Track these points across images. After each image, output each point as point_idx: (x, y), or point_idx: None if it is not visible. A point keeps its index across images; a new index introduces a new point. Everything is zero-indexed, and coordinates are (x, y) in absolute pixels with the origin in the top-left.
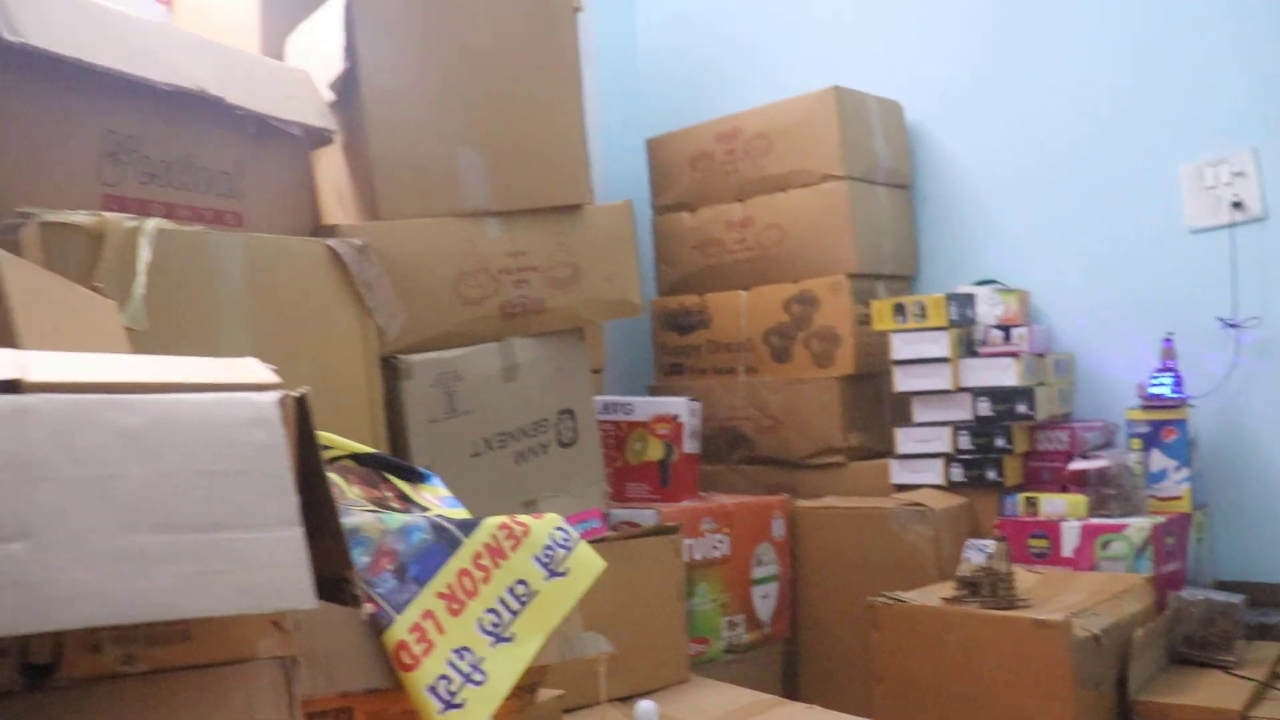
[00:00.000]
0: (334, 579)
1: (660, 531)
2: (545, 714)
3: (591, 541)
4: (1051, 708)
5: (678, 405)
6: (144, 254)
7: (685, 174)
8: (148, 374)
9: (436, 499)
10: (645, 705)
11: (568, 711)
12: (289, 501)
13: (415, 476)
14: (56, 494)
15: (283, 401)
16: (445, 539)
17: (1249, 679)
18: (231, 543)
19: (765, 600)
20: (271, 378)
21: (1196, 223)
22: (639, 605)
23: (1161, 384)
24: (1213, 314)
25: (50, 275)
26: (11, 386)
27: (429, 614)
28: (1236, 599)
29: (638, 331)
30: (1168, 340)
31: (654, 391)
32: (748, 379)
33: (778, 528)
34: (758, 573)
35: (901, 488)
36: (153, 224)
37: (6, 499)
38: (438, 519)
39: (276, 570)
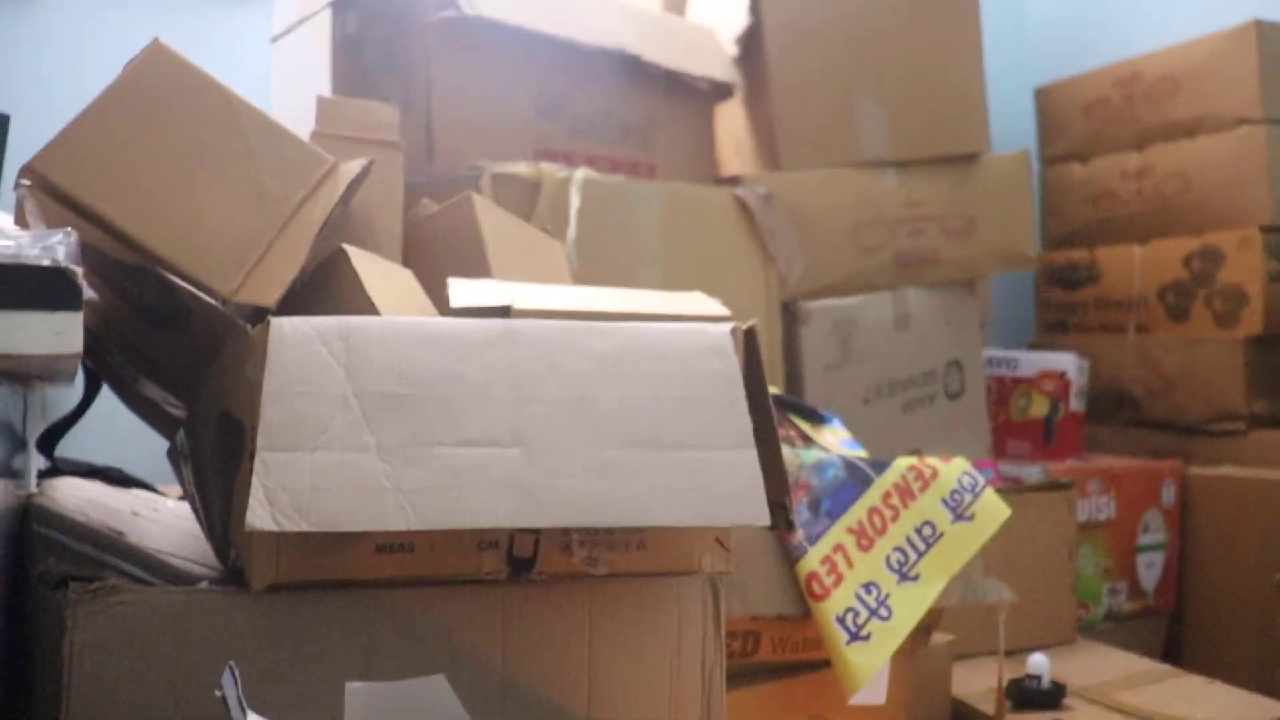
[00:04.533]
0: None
1: (1054, 486)
2: (937, 658)
3: None
4: None
5: (1066, 361)
6: (574, 201)
7: (1078, 123)
8: (613, 304)
9: (837, 440)
10: (1038, 658)
11: (957, 659)
12: (744, 425)
13: (817, 418)
14: (543, 409)
15: (734, 332)
16: (857, 477)
17: None
18: (693, 460)
19: (1150, 569)
20: (722, 310)
21: None
22: (1027, 561)
23: None
24: None
25: (512, 218)
26: (503, 312)
27: (840, 548)
28: None
29: (1019, 286)
30: None
31: (1035, 349)
32: (1138, 338)
33: (1168, 494)
34: (1144, 540)
35: None
36: (581, 174)
37: (503, 411)
38: (850, 457)
39: (734, 488)
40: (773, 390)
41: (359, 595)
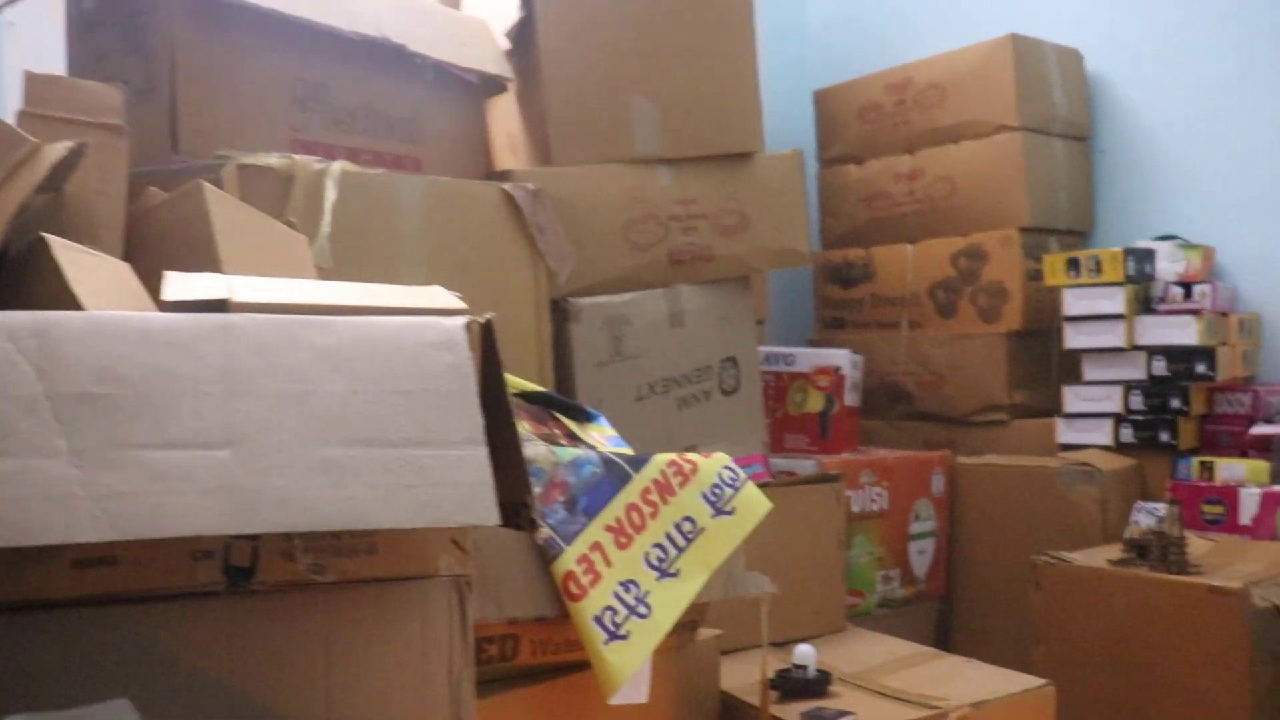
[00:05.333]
0: (510, 504)
1: (822, 479)
2: (704, 653)
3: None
4: (1226, 680)
5: (840, 357)
6: (330, 195)
7: (853, 126)
8: (341, 298)
9: (603, 438)
10: (804, 648)
11: (725, 653)
12: (474, 422)
13: (583, 415)
14: (259, 406)
15: (469, 326)
16: (616, 474)
17: None
18: (419, 458)
19: (922, 556)
20: (458, 304)
21: None
22: (798, 553)
23: None
24: None
25: (249, 209)
26: (220, 306)
27: (597, 546)
28: None
29: (799, 285)
30: None
31: (814, 345)
32: (911, 334)
33: (937, 484)
34: (915, 528)
35: (1067, 447)
36: (338, 166)
37: (214, 409)
38: (609, 454)
39: (462, 487)
40: (538, 388)
41: (57, 616)
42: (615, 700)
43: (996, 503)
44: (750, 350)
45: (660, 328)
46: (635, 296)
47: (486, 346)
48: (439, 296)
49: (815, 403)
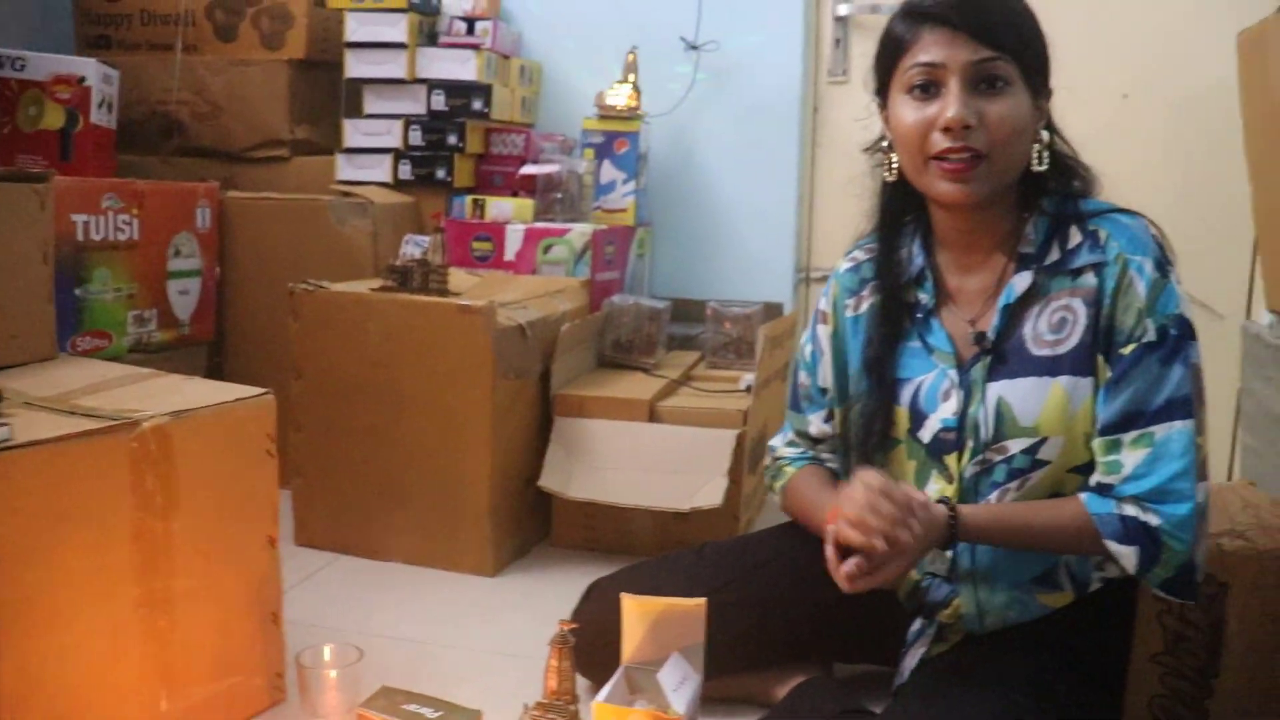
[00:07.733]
0: None
1: (20, 178)
2: None
3: None
4: (471, 395)
5: (85, 65)
6: None
7: None
8: None
9: None
10: None
11: None
12: None
13: None
14: None
15: None
16: None
17: (664, 377)
18: None
19: (184, 296)
20: None
21: None
22: None
23: (619, 95)
24: (677, 34)
25: None
26: None
27: None
28: (662, 304)
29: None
30: (631, 53)
31: None
32: (186, 58)
33: (202, 218)
34: (176, 265)
35: (347, 185)
36: None
37: None
38: None
39: None
40: None
41: None
42: None
43: (269, 239)
44: None
45: None
46: None
47: None
48: None
49: (54, 118)
